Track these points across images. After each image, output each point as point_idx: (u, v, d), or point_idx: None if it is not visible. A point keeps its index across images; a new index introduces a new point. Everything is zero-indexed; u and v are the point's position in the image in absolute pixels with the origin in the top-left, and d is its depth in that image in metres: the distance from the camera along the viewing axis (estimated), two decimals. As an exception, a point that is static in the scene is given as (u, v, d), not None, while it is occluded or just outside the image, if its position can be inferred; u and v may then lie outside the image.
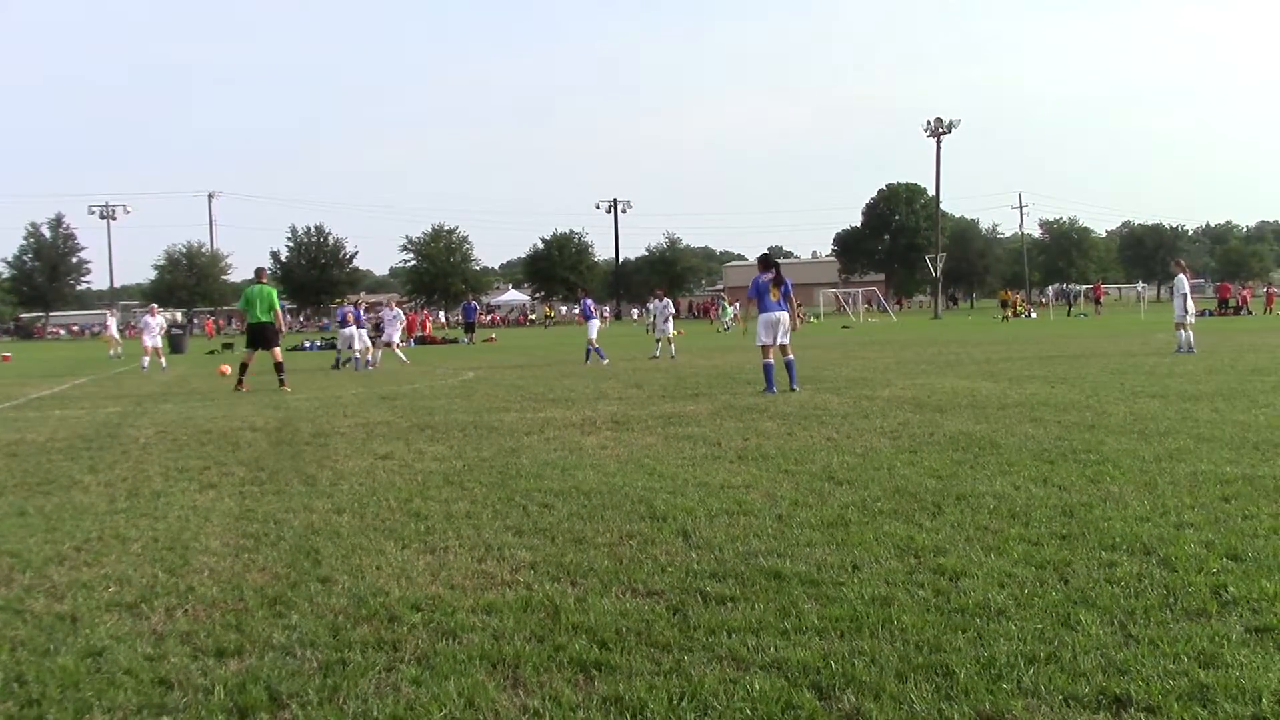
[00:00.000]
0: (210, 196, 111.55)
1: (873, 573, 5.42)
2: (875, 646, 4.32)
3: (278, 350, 20.47)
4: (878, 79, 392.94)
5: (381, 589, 5.40)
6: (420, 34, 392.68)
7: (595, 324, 27.72)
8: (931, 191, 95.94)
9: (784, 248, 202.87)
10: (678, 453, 9.83)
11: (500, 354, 35.69)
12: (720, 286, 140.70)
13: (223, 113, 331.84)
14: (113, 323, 44.44)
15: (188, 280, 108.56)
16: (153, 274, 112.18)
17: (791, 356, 16.15)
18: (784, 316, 16.09)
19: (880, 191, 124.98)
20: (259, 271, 21.38)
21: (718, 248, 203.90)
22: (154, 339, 31.99)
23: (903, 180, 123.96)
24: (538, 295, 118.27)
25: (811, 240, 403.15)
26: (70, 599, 5.41)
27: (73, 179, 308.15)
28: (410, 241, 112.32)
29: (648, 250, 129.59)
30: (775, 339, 15.87)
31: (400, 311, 32.16)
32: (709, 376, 19.90)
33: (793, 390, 15.42)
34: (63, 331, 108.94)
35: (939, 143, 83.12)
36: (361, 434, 12.12)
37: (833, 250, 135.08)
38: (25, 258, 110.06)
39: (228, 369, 24.62)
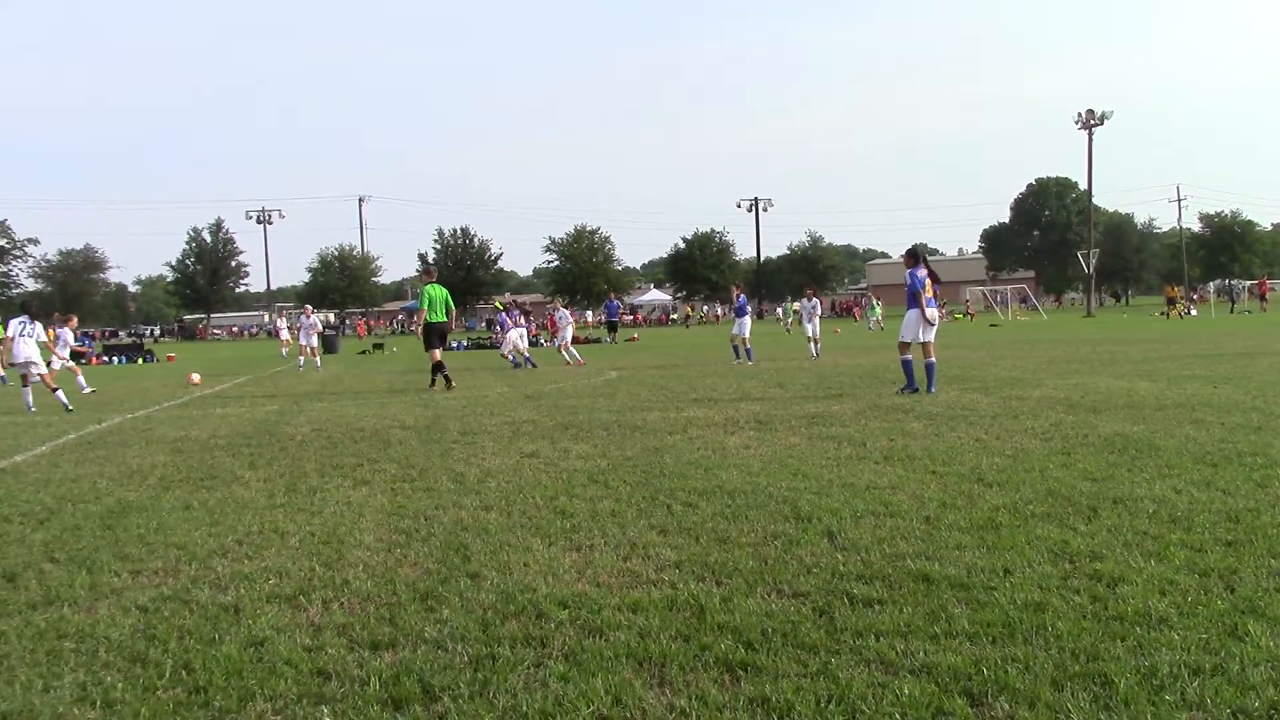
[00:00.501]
0: (361, 200, 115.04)
1: (1025, 577, 5.29)
2: (1029, 653, 4.22)
3: (437, 352, 20.45)
4: (1025, 70, 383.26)
5: (529, 585, 5.48)
6: (557, 40, 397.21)
7: (747, 322, 27.15)
8: (1083, 185, 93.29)
9: (929, 244, 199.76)
10: (822, 453, 9.74)
11: (642, 353, 35.88)
12: (864, 285, 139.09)
13: (373, 116, 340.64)
14: (284, 324, 46.39)
15: (339, 282, 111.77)
16: (306, 276, 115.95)
17: (934, 359, 15.78)
18: (935, 314, 15.80)
19: (1029, 186, 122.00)
20: (430, 271, 21.69)
21: (860, 245, 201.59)
22: (310, 339, 32.96)
23: (1053, 174, 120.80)
24: (679, 295, 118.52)
25: (957, 237, 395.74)
26: (233, 590, 5.62)
27: (231, 185, 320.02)
28: (553, 242, 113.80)
29: (789, 249, 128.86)
30: (919, 337, 15.53)
31: (567, 312, 32.59)
32: (853, 376, 19.68)
33: (930, 393, 15.05)
34: (222, 332, 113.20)
35: (1091, 135, 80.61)
36: (508, 432, 12.31)
37: (980, 247, 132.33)
38: (188, 262, 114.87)
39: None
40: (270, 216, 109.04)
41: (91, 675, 4.38)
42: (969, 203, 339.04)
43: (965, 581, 5.24)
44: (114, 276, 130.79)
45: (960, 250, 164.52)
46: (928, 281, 15.64)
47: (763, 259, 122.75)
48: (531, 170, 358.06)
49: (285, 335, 44.11)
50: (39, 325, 19.39)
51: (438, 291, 20.48)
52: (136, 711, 3.96)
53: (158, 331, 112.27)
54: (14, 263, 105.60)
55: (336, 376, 27.03)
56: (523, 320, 30.60)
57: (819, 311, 29.07)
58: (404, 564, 6.08)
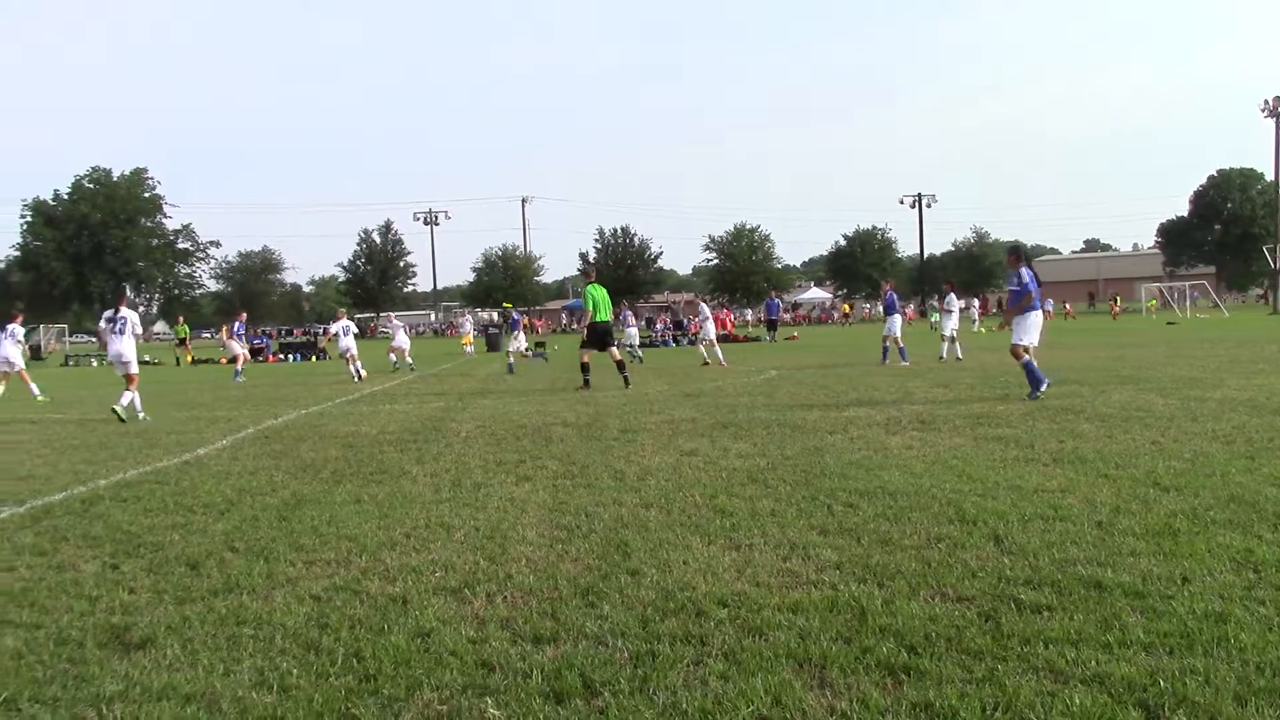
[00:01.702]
0: (524, 201, 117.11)
1: (1205, 586, 5.07)
2: (1209, 666, 4.04)
3: (615, 350, 20.54)
4: (1205, 56, 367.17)
5: (688, 584, 5.49)
6: (717, 39, 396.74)
7: (898, 320, 26.69)
8: (1269, 177, 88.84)
9: (1100, 240, 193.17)
10: (987, 454, 9.51)
11: (802, 352, 35.61)
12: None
13: (537, 118, 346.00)
14: (468, 323, 48.10)
15: (502, 282, 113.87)
16: (471, 276, 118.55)
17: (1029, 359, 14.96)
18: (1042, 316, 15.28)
19: (1210, 178, 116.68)
20: (590, 271, 21.98)
21: (1029, 241, 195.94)
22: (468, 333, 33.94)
23: (1235, 165, 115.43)
24: (840, 292, 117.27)
25: (1132, 232, 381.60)
26: (401, 582, 5.78)
27: (400, 188, 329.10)
28: (712, 240, 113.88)
29: (954, 245, 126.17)
30: (1035, 340, 15.01)
31: (708, 309, 32.71)
32: (1020, 376, 19.14)
33: (1033, 398, 14.25)
34: (390, 331, 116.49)
35: (1279, 124, 76.78)
36: (667, 430, 12.36)
37: (1156, 242, 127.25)
38: (359, 262, 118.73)
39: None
40: (437, 218, 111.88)
41: (268, 661, 4.55)
42: (1144, 195, 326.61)
43: (1140, 589, 5.04)
44: (289, 277, 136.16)
45: (1135, 246, 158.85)
46: (1037, 283, 15.15)
47: (926, 256, 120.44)
48: (692, 169, 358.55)
49: (471, 333, 46.43)
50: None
51: (600, 292, 20.63)
52: (310, 697, 4.10)
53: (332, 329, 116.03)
54: (198, 264, 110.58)
55: (498, 374, 27.54)
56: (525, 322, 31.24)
57: (956, 309, 27.84)
58: (565, 559, 6.16)
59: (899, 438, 10.87)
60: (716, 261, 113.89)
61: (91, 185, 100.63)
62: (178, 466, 10.77)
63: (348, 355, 28.70)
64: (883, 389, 17.34)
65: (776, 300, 59.19)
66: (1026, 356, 14.90)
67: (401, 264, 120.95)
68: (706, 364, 27.19)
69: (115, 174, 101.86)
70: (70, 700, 4.19)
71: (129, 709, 4.06)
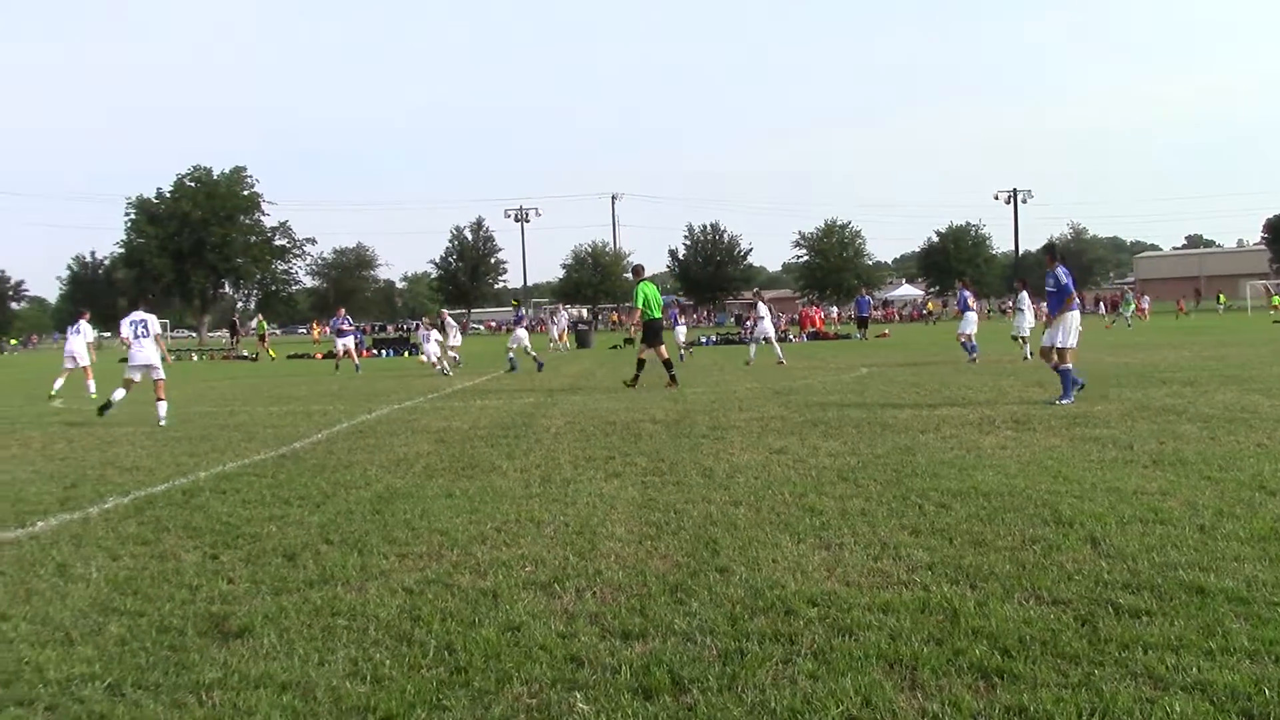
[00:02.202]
0: (614, 198, 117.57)
1: (1314, 593, 4.91)
2: (1317, 675, 3.91)
3: (663, 348, 20.58)
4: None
5: (777, 582, 5.46)
6: (808, 35, 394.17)
7: (973, 318, 26.33)
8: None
9: (1204, 236, 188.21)
10: (1084, 455, 9.32)
11: (893, 350, 35.21)
12: (1130, 279, 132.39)
13: (622, 116, 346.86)
14: (563, 319, 48.66)
15: (592, 278, 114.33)
16: (560, 272, 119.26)
17: (1070, 365, 14.48)
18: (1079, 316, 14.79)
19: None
20: (640, 270, 22.07)
21: (1127, 237, 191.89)
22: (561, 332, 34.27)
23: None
24: (932, 290, 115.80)
25: (1236, 227, 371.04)
26: (492, 576, 5.83)
27: (491, 185, 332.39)
28: (803, 237, 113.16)
29: (1051, 241, 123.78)
30: (1072, 341, 14.51)
31: (764, 307, 32.52)
32: (1118, 375, 18.74)
33: (1063, 403, 13.80)
34: (481, 327, 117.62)
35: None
36: (756, 428, 12.31)
37: (1262, 238, 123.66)
38: (450, 259, 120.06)
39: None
40: (527, 215, 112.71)
41: (362, 651, 4.62)
42: (1249, 190, 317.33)
43: (1244, 595, 4.90)
44: (383, 274, 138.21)
45: (1240, 242, 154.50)
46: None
47: (1021, 252, 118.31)
48: (781, 164, 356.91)
49: (555, 331, 47.04)
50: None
51: (651, 289, 20.70)
52: (403, 688, 4.16)
53: (417, 326, 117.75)
54: (294, 261, 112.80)
55: (588, 371, 27.65)
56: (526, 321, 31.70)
57: (1029, 308, 26.87)
58: (654, 556, 6.17)
59: (992, 437, 10.71)
60: (806, 258, 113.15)
61: (193, 183, 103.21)
62: (275, 460, 10.99)
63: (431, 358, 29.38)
64: (976, 388, 17.09)
65: (867, 297, 58.68)
66: (1068, 364, 14.35)
67: (492, 260, 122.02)
68: (781, 363, 27.00)
69: (215, 172, 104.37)
70: (171, 686, 4.29)
71: (227, 696, 4.15)
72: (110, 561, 6.50)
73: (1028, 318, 26.46)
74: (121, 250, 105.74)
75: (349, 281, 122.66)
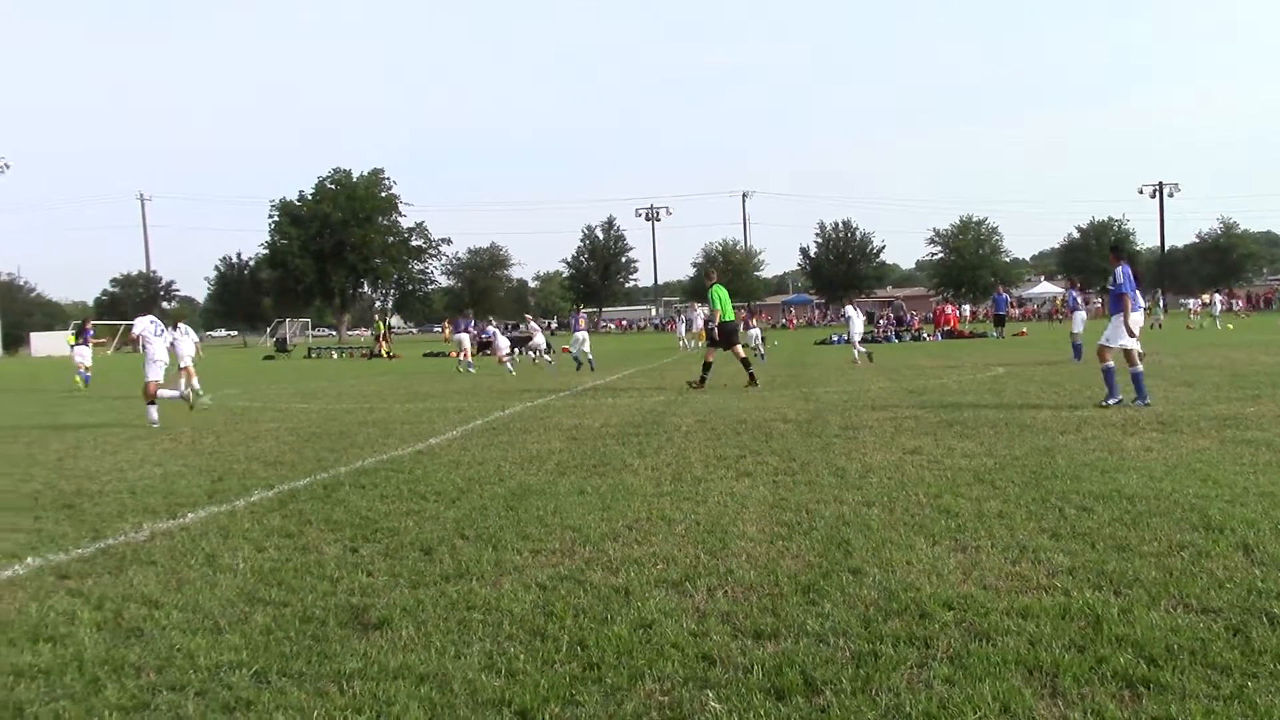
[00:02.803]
0: (744, 196, 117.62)
1: None
2: None
3: (739, 348, 20.99)
4: None
5: (912, 584, 5.38)
6: (938, 31, 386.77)
7: (1081, 316, 26.08)
8: None
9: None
10: (1235, 458, 8.96)
11: (1030, 349, 34.39)
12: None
13: (755, 114, 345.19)
14: (698, 318, 49.14)
15: (722, 276, 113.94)
16: (691, 271, 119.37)
17: (1139, 367, 14.03)
18: (1141, 318, 14.36)
19: None
20: (712, 273, 22.61)
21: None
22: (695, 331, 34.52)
23: None
24: (1073, 287, 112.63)
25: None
26: (624, 573, 5.86)
27: (622, 184, 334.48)
28: (937, 234, 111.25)
29: (1198, 237, 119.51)
30: (1128, 343, 14.05)
31: (851, 309, 32.58)
32: (1273, 375, 18.00)
33: (1145, 404, 13.61)
34: (612, 325, 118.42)
35: None
36: (889, 428, 12.14)
37: None
38: (582, 259, 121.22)
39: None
40: (658, 213, 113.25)
41: (497, 645, 4.69)
42: None
43: None
44: (515, 273, 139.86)
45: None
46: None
47: (1167, 248, 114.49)
48: (915, 161, 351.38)
49: (681, 329, 47.68)
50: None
51: (723, 292, 21.04)
52: (537, 682, 4.21)
53: (554, 325, 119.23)
54: (430, 261, 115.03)
55: (718, 369, 27.58)
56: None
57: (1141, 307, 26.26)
58: (785, 556, 6.13)
59: (1137, 439, 10.38)
60: (941, 255, 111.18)
61: (333, 186, 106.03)
62: (411, 455, 11.23)
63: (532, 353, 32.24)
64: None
65: (1004, 295, 57.32)
66: (1109, 362, 14.11)
67: (623, 259, 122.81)
68: (869, 361, 27.52)
69: (355, 175, 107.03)
70: (314, 675, 4.41)
71: (367, 686, 4.25)
72: (256, 553, 6.71)
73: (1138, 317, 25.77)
74: (266, 251, 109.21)
75: (483, 281, 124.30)
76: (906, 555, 5.99)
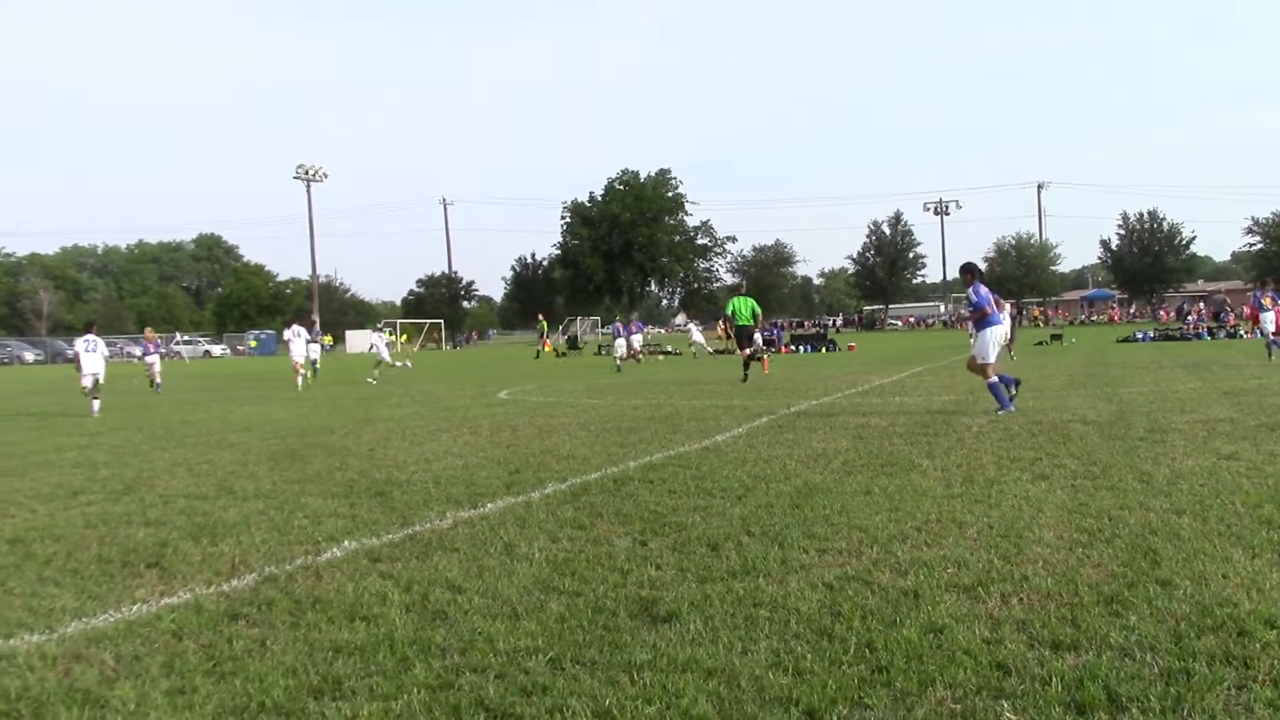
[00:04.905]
0: (1039, 186, 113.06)
1: None
2: None
3: (747, 350, 25.18)
4: None
5: (1228, 599, 5.02)
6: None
7: (1270, 317, 24.19)
8: None
9: None
10: None
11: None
12: None
13: (1051, 100, 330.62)
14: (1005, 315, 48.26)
15: (1016, 271, 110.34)
16: (982, 266, 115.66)
17: (994, 379, 14.44)
18: (1005, 331, 14.53)
19: None
20: (740, 285, 27.58)
21: None
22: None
23: None
24: None
25: None
26: (913, 576, 5.73)
27: (909, 178, 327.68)
28: (1256, 223, 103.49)
29: None
30: (993, 356, 14.56)
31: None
32: None
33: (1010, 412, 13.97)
34: (899, 323, 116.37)
35: None
36: (1201, 431, 11.39)
37: None
38: (868, 254, 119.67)
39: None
40: (947, 207, 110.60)
41: (783, 643, 4.68)
42: None
43: None
44: (800, 270, 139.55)
45: None
46: (993, 298, 14.91)
47: None
48: (1228, 148, 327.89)
49: (973, 328, 46.69)
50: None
51: (739, 301, 25.28)
52: (824, 682, 4.17)
53: (839, 321, 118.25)
54: (715, 259, 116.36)
55: (1012, 368, 26.65)
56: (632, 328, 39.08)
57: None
58: (1086, 564, 5.84)
59: None
60: (1261, 246, 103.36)
61: (621, 187, 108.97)
62: (698, 452, 11.37)
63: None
64: None
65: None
66: (993, 378, 14.46)
67: (911, 255, 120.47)
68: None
69: (642, 175, 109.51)
70: (606, 664, 4.53)
71: (656, 678, 4.33)
72: (550, 543, 6.96)
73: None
74: (558, 251, 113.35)
75: (767, 278, 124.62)
76: (1222, 568, 5.60)
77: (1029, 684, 4.08)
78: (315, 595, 5.83)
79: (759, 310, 25.63)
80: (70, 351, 22.10)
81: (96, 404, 20.81)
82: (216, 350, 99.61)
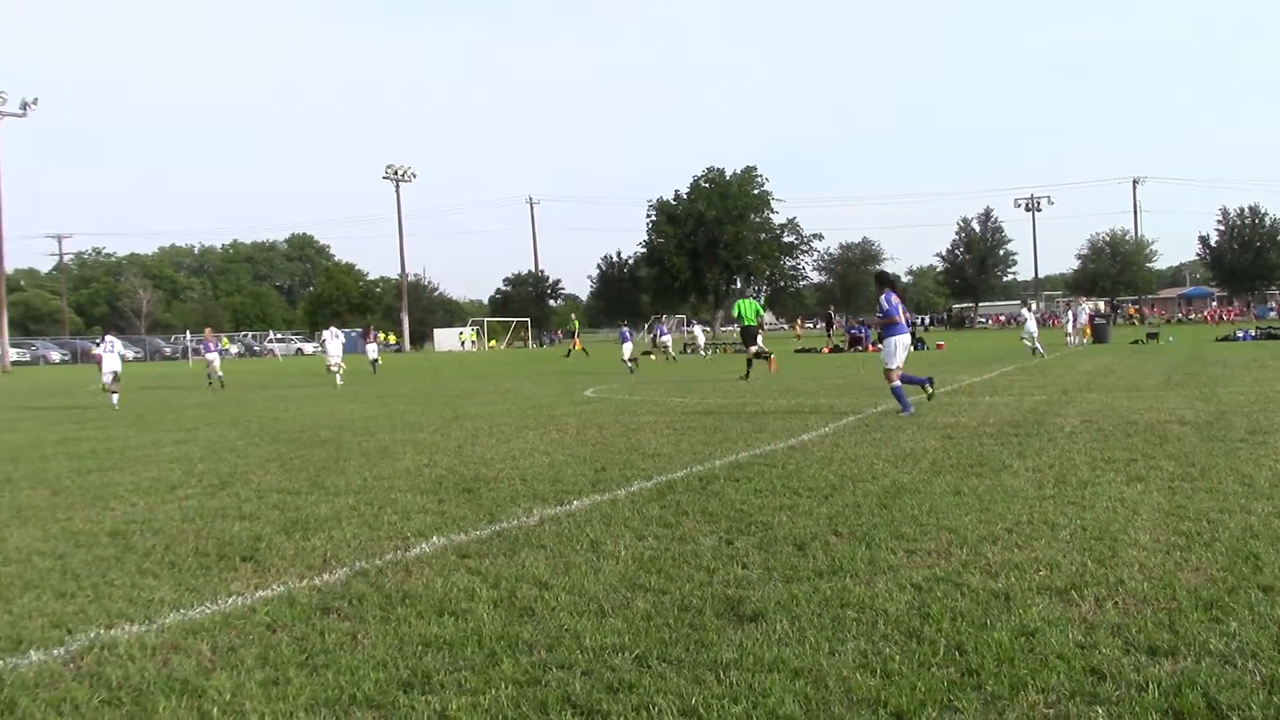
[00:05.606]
0: (1135, 183, 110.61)
1: None
2: None
3: (752, 349, 26.78)
4: None
5: (1335, 606, 4.86)
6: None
7: None
8: None
9: None
10: None
11: None
12: None
13: (1144, 94, 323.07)
14: (1083, 314, 48.12)
15: (1110, 269, 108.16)
16: (1075, 263, 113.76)
17: (898, 383, 15.25)
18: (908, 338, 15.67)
19: None
20: (745, 290, 26.12)
21: None
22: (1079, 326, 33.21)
23: None
24: None
25: None
26: (1003, 578, 5.64)
27: (1000, 174, 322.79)
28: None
29: None
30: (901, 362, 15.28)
31: (1074, 310, 31.60)
32: None
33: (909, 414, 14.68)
34: (988, 321, 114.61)
35: None
36: (1305, 433, 11.05)
37: None
38: (957, 251, 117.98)
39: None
40: (1039, 204, 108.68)
41: (871, 644, 4.63)
42: None
43: None
44: (888, 267, 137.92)
45: None
46: (901, 308, 15.49)
47: None
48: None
49: (1070, 325, 46.63)
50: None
51: (744, 304, 27.63)
52: (913, 685, 4.12)
53: (928, 320, 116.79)
54: (801, 257, 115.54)
55: (1106, 367, 26.14)
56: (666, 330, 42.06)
57: None
58: (1184, 568, 5.70)
59: None
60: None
61: (707, 185, 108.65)
62: (784, 450, 11.31)
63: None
64: None
65: None
66: (896, 382, 15.17)
67: (1001, 252, 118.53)
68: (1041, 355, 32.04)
69: (728, 173, 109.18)
70: (692, 663, 4.52)
71: (743, 677, 4.31)
72: (636, 541, 6.97)
73: None
74: (644, 250, 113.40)
75: (854, 276, 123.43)
76: (1328, 574, 5.43)
77: (1124, 690, 4.00)
78: (404, 590, 5.90)
79: (762, 312, 28.08)
80: (95, 352, 24.79)
81: (115, 397, 23.40)
82: (309, 348, 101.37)
